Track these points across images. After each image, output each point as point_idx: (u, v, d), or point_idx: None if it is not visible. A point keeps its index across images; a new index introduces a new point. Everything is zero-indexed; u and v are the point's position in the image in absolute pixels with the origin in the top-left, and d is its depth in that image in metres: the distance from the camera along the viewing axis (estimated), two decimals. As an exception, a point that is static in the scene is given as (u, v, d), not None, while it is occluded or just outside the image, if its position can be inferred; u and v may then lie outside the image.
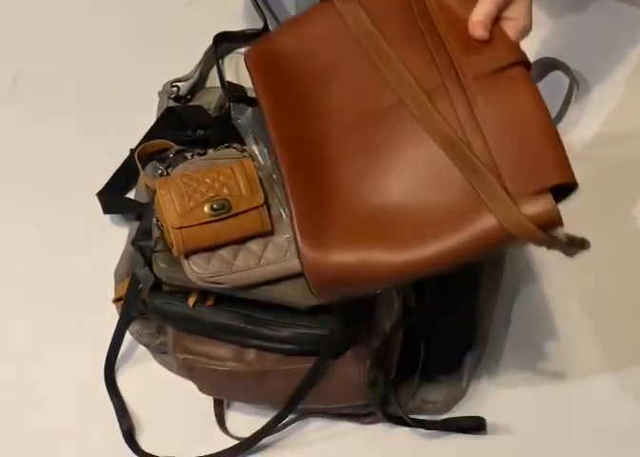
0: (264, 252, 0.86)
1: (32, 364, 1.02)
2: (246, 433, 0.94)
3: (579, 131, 1.07)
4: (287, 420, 0.93)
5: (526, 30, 0.75)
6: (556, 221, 0.68)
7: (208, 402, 0.97)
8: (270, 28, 1.14)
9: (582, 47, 1.11)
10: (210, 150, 0.93)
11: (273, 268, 0.86)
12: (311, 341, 0.88)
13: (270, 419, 0.92)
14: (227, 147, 0.93)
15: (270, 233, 0.87)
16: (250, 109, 0.93)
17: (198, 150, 0.93)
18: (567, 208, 1.02)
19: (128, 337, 0.99)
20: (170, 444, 0.97)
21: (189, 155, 0.93)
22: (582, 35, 1.12)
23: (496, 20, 0.74)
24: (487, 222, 0.68)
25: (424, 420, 0.93)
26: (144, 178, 1.01)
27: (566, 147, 1.04)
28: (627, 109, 1.07)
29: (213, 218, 0.85)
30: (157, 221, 0.89)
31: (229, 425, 0.97)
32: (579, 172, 1.04)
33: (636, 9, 1.13)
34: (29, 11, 1.23)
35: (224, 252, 0.86)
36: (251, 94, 1.08)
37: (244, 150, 0.92)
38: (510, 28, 0.74)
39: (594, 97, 1.08)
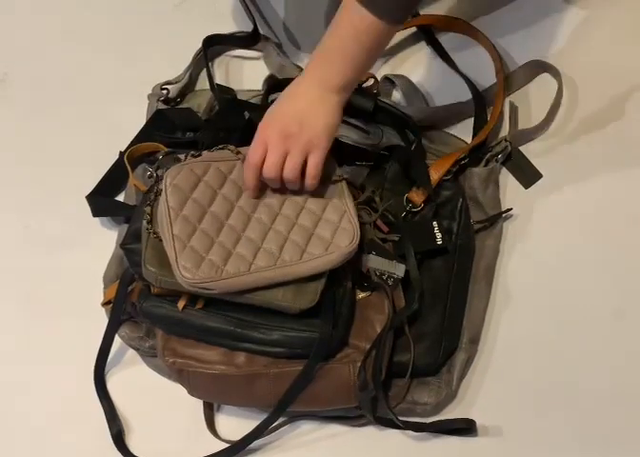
0: (254, 259, 0.86)
1: (21, 366, 1.01)
2: (236, 436, 0.93)
3: (567, 134, 1.07)
4: (277, 423, 0.93)
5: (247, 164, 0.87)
6: None
7: (197, 405, 0.96)
8: (260, 30, 1.14)
9: (571, 49, 1.11)
10: (205, 152, 0.93)
11: (264, 276, 0.86)
12: (301, 344, 0.88)
13: (260, 422, 0.92)
14: (221, 148, 0.93)
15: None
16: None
17: (192, 152, 0.92)
18: (556, 208, 1.03)
19: (117, 340, 0.98)
20: (160, 447, 0.96)
21: (182, 156, 0.92)
22: (571, 38, 1.12)
23: None
24: None
25: (414, 422, 0.93)
26: (133, 180, 1.01)
27: (553, 149, 1.06)
28: (615, 111, 1.08)
29: None
30: (147, 223, 0.89)
31: (219, 428, 0.97)
32: (566, 174, 1.05)
33: (623, 12, 1.13)
34: (16, 14, 1.22)
35: (214, 257, 0.86)
36: (241, 97, 1.09)
37: (238, 152, 0.92)
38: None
39: (583, 100, 1.08)
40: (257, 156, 0.86)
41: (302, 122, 0.85)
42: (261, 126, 0.87)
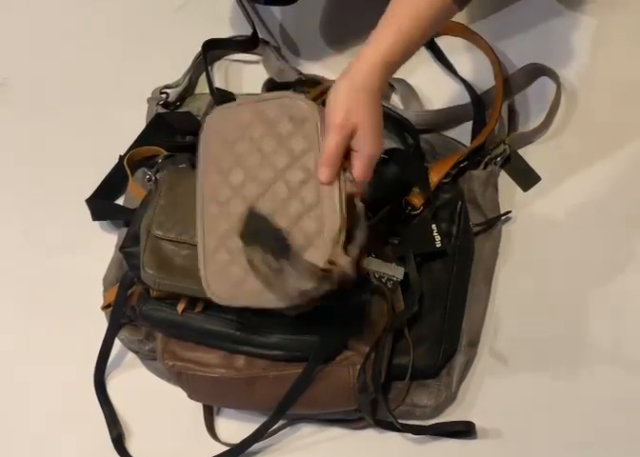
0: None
1: (21, 369, 1.02)
2: (236, 440, 0.93)
3: (566, 137, 1.07)
4: (277, 426, 0.93)
5: (372, 158, 0.79)
6: None
7: (197, 408, 0.96)
8: (259, 34, 1.15)
9: (569, 52, 1.12)
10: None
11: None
12: (300, 347, 0.88)
13: (259, 425, 0.92)
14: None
15: None
16: None
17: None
18: (555, 211, 1.03)
19: (117, 343, 0.98)
20: (160, 451, 0.97)
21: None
22: (569, 40, 1.12)
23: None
24: None
25: (413, 425, 0.93)
26: (133, 184, 1.01)
27: (552, 152, 1.06)
28: (614, 114, 1.08)
29: None
30: None
31: (218, 431, 0.97)
32: (565, 177, 1.05)
33: (623, 14, 1.13)
34: (15, 18, 1.23)
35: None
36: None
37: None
38: (357, 158, 0.78)
39: (582, 104, 1.09)
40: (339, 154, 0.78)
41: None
42: (352, 121, 0.78)
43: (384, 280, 0.93)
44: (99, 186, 1.06)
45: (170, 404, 0.97)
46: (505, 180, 1.05)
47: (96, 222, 1.06)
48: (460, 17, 1.13)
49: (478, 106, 1.08)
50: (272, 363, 0.90)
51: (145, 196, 0.95)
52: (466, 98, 1.09)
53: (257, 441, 0.93)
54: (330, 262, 0.75)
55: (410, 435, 0.93)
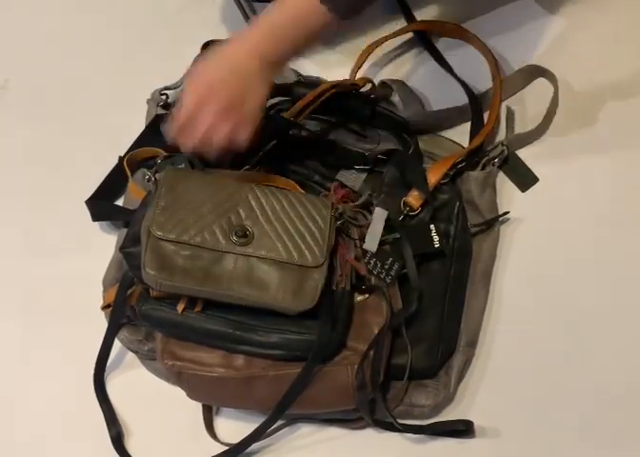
0: None
1: (21, 371, 1.02)
2: (235, 439, 0.93)
3: (564, 138, 1.08)
4: (276, 425, 0.93)
5: None
6: None
7: (196, 408, 0.97)
8: (258, 35, 1.15)
9: (567, 53, 1.12)
10: None
11: None
12: (300, 346, 0.88)
13: (258, 425, 0.92)
14: None
15: None
16: None
17: None
18: (553, 211, 1.04)
19: (116, 344, 0.98)
20: (159, 450, 0.97)
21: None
22: (567, 42, 1.13)
23: None
24: None
25: (412, 424, 0.93)
26: (132, 185, 1.02)
27: (550, 153, 1.07)
28: (612, 115, 1.08)
29: None
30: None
31: (217, 431, 0.97)
32: (563, 178, 1.06)
33: (621, 15, 1.14)
34: (16, 20, 1.23)
35: None
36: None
37: None
38: None
39: (579, 105, 1.09)
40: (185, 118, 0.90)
41: (244, 97, 0.89)
42: (200, 87, 0.89)
43: (382, 276, 0.93)
44: (99, 186, 1.07)
45: (170, 403, 0.97)
46: (503, 181, 1.06)
47: (96, 222, 1.07)
48: (458, 18, 1.14)
49: (476, 107, 1.08)
50: (272, 362, 0.90)
51: (144, 197, 0.95)
52: (464, 99, 1.09)
53: (256, 440, 0.93)
54: None
55: (408, 435, 0.93)
